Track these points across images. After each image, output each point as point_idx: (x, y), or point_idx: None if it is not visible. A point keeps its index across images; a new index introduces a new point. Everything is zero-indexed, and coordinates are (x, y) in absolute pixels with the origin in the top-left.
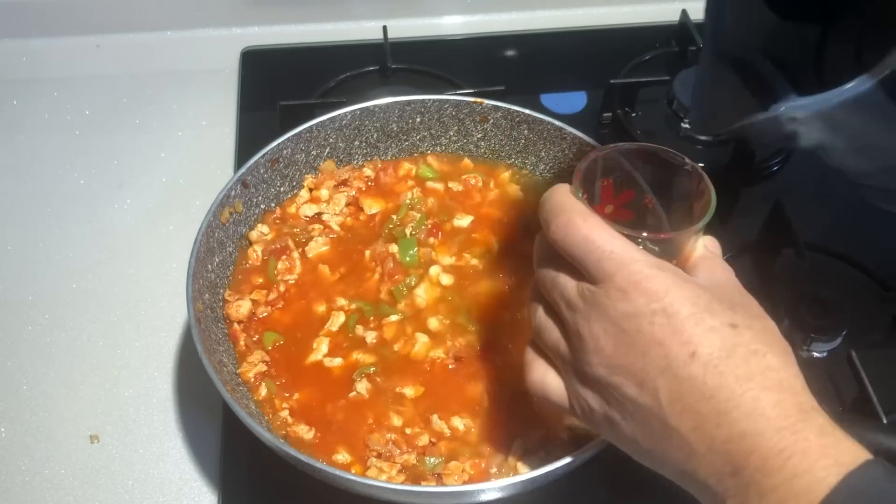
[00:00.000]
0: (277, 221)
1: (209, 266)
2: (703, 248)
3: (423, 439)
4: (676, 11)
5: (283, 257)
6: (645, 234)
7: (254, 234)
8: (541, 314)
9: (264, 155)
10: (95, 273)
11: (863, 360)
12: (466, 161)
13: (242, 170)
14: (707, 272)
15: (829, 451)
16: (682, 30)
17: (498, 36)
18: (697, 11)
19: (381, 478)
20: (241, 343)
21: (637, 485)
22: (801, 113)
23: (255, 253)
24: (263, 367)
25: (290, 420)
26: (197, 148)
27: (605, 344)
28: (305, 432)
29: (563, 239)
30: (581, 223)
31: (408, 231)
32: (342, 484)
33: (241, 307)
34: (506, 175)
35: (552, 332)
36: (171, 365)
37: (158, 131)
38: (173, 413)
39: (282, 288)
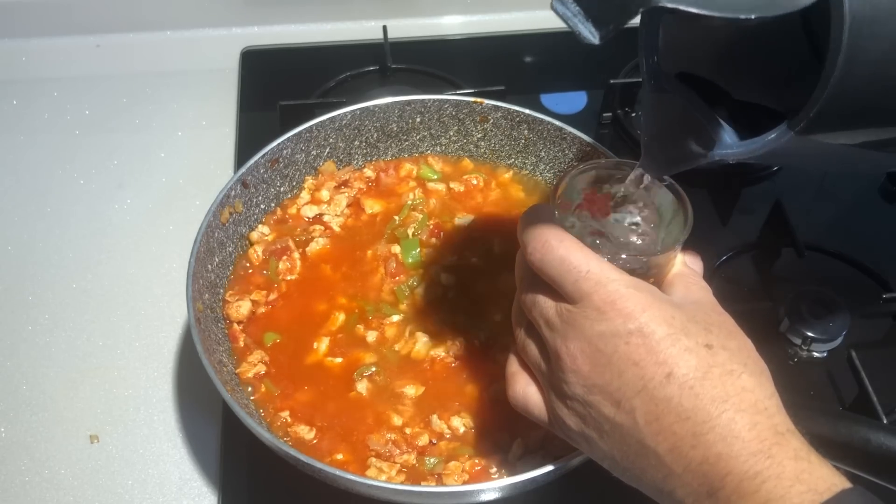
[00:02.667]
0: (278, 222)
1: (209, 266)
2: (683, 264)
3: (423, 439)
4: None
5: (284, 257)
6: (624, 256)
7: (254, 235)
8: (523, 332)
9: (264, 155)
10: (95, 273)
11: (863, 360)
12: (466, 161)
13: (242, 170)
14: (683, 290)
15: (803, 477)
16: None
17: (498, 36)
18: None
19: (381, 478)
20: (241, 343)
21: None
22: (733, 156)
23: (256, 253)
24: (263, 368)
25: (289, 420)
26: (197, 148)
27: (583, 364)
28: (305, 432)
29: (541, 260)
30: (557, 244)
31: (410, 231)
32: (342, 484)
33: (241, 307)
34: (507, 175)
35: (533, 349)
36: (171, 365)
37: (158, 131)
38: (173, 413)
39: (283, 288)
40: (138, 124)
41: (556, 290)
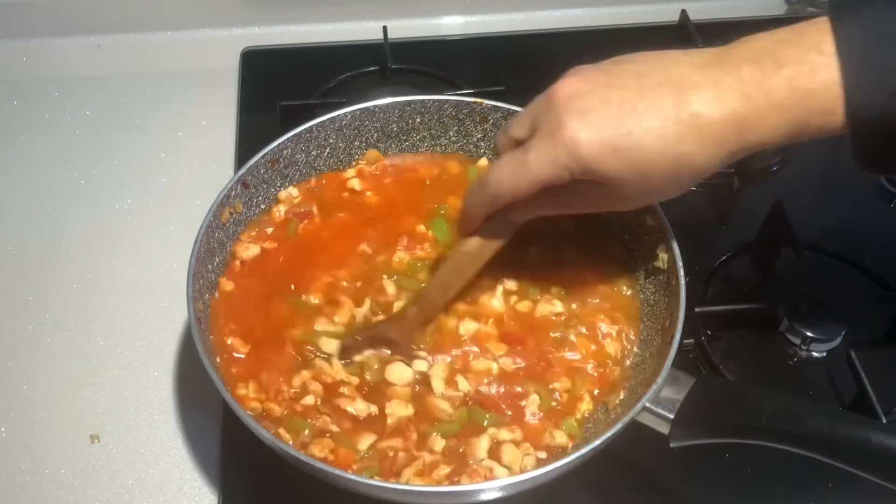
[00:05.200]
0: (310, 189)
1: (209, 266)
2: None
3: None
4: (676, 11)
5: (305, 220)
6: None
7: (283, 195)
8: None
9: (264, 155)
10: (95, 273)
11: (862, 360)
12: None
13: (243, 170)
14: None
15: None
16: (681, 30)
17: (498, 36)
18: (697, 11)
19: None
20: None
21: (636, 484)
22: None
23: (279, 212)
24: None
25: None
26: (197, 148)
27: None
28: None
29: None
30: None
31: (442, 210)
32: (342, 484)
33: (249, 249)
34: None
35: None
36: (171, 365)
37: (158, 131)
38: (173, 413)
39: (294, 246)
40: (138, 124)
41: None
